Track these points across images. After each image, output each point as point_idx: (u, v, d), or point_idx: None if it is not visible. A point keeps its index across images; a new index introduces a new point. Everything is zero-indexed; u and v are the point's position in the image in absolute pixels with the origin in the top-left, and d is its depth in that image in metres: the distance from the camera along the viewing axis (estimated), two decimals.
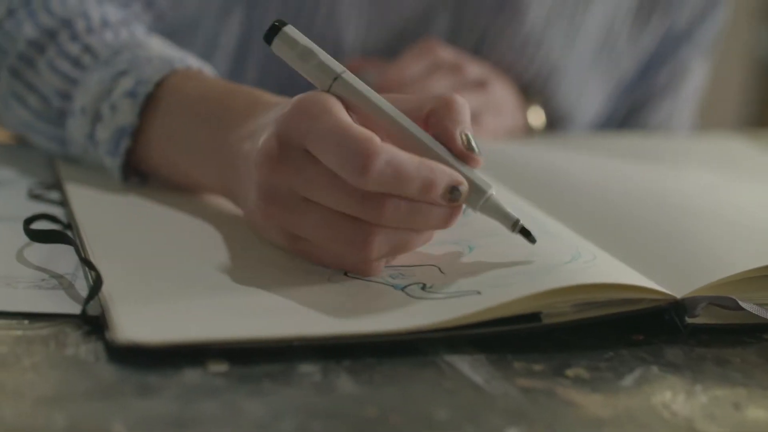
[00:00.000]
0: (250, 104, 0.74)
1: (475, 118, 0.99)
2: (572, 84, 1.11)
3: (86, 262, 0.66)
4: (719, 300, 0.64)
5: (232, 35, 1.08)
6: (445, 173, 0.63)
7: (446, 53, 1.01)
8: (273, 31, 0.67)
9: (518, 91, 1.07)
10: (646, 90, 1.18)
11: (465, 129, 0.66)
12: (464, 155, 0.66)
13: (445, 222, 0.64)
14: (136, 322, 0.58)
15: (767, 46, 3.24)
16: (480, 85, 1.01)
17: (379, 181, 0.61)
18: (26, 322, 0.61)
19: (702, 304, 0.64)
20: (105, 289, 0.62)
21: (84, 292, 0.64)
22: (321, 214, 0.63)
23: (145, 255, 0.69)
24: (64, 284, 0.66)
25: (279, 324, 0.60)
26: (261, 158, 0.65)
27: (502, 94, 1.03)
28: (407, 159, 0.62)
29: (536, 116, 1.08)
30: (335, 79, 0.66)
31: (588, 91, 1.13)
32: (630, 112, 1.18)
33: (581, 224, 0.75)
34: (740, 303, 0.64)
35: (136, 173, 0.82)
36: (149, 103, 0.80)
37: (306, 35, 1.02)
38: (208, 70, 0.83)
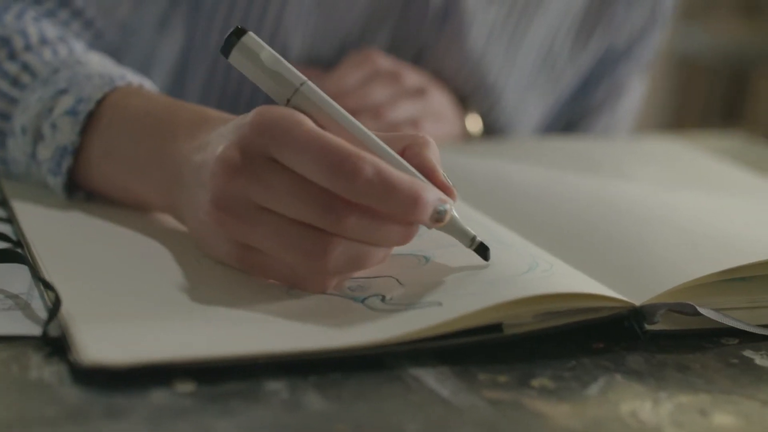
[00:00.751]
0: (196, 119, 0.74)
1: (415, 124, 0.99)
2: (511, 99, 1.12)
3: (43, 282, 0.65)
4: (678, 306, 0.65)
5: (172, 49, 1.07)
6: (434, 190, 0.63)
7: (384, 62, 1.01)
8: (232, 41, 0.66)
9: (456, 99, 1.08)
10: (584, 106, 1.19)
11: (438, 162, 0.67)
12: (444, 186, 0.66)
13: (405, 238, 0.64)
14: (100, 343, 0.58)
15: (686, 43, 3.28)
16: (419, 92, 1.01)
17: (368, 189, 0.61)
18: None
19: (661, 311, 0.65)
20: (64, 309, 0.61)
21: (41, 311, 0.64)
22: (277, 222, 0.63)
23: (101, 273, 0.68)
24: (20, 304, 0.65)
25: (243, 341, 0.59)
26: (219, 166, 0.64)
27: (440, 101, 1.04)
28: (396, 171, 0.62)
29: (474, 123, 1.09)
30: (296, 91, 0.65)
31: (526, 106, 1.14)
32: (567, 126, 1.19)
33: (534, 233, 0.75)
34: (698, 309, 0.65)
35: (80, 190, 0.81)
36: (90, 120, 0.79)
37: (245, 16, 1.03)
38: (149, 85, 0.83)
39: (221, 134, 0.68)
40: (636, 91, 1.23)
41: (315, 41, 1.03)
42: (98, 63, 0.84)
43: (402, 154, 0.66)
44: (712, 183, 0.95)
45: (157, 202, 0.76)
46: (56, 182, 0.80)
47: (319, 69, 1.03)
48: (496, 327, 0.63)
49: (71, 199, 0.81)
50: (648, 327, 0.65)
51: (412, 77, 1.02)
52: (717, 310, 0.66)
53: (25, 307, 0.64)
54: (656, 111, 3.30)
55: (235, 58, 0.66)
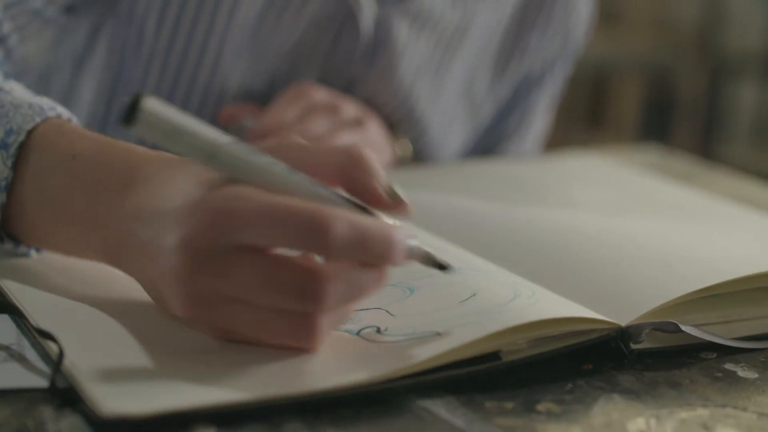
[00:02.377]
0: (128, 167, 0.68)
1: None
2: (436, 129, 1.14)
3: (41, 332, 0.64)
4: (661, 325, 0.68)
5: (91, 88, 1.06)
6: (400, 228, 0.62)
7: (320, 94, 1.02)
8: (132, 110, 0.59)
9: (386, 125, 1.09)
10: (498, 133, 1.22)
11: (382, 180, 0.65)
12: (393, 207, 0.65)
13: (380, 283, 0.62)
14: (117, 394, 0.58)
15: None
16: (357, 122, 1.03)
17: (344, 243, 0.59)
18: None
19: (646, 330, 0.67)
20: (68, 359, 0.61)
21: (37, 362, 0.63)
22: (257, 312, 0.61)
23: (91, 318, 0.67)
24: (15, 356, 0.64)
25: (257, 384, 0.59)
26: (181, 263, 0.60)
27: (376, 130, 1.05)
28: (365, 219, 0.60)
29: (404, 147, 1.11)
30: (211, 157, 0.61)
31: (450, 136, 1.16)
32: (482, 152, 1.22)
33: (504, 262, 0.77)
34: (681, 326, 0.68)
35: (9, 236, 0.75)
36: (20, 154, 0.72)
37: (192, 86, 1.00)
38: (76, 122, 0.76)
39: (168, 215, 0.62)
40: (544, 117, 1.26)
41: (246, 77, 1.03)
42: (23, 91, 0.78)
43: (339, 179, 0.65)
44: (659, 201, 0.98)
45: (99, 257, 0.71)
46: None
47: (254, 104, 1.04)
48: (494, 355, 0.64)
49: (17, 250, 0.75)
50: (634, 346, 0.68)
51: (349, 108, 1.03)
52: (695, 326, 0.69)
53: (20, 359, 0.64)
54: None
55: (141, 126, 0.59)
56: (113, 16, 1.03)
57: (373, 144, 1.03)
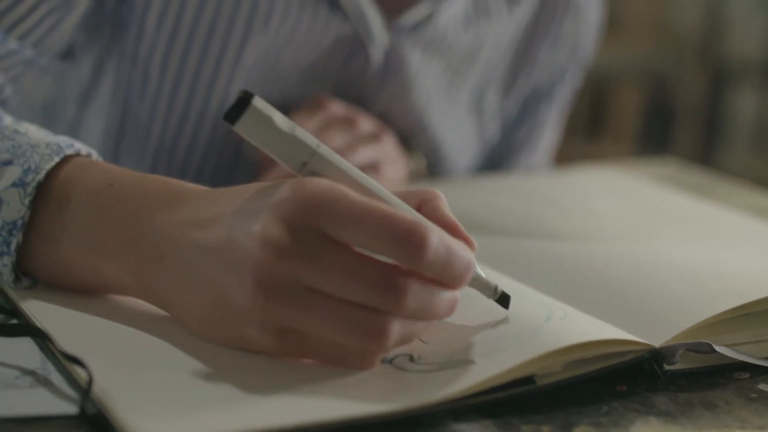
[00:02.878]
0: (171, 190, 0.69)
1: (375, 168, 1.00)
2: (450, 147, 1.14)
3: (68, 357, 0.63)
4: (695, 346, 0.67)
5: (98, 125, 1.05)
6: (471, 252, 0.63)
7: (337, 108, 1.02)
8: (240, 106, 0.62)
9: (399, 140, 1.09)
10: (506, 146, 1.21)
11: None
12: (468, 241, 0.66)
13: (452, 308, 0.64)
14: (151, 419, 0.57)
15: None
16: (374, 137, 1.02)
17: (435, 259, 0.60)
18: (11, 424, 0.58)
19: (680, 351, 0.67)
20: (97, 384, 0.60)
21: (64, 387, 0.62)
22: (333, 305, 0.60)
23: (117, 338, 0.66)
24: (41, 381, 0.63)
25: (294, 410, 0.59)
26: (264, 246, 0.60)
27: (393, 145, 1.05)
28: (451, 238, 0.62)
29: (418, 162, 1.10)
30: (313, 153, 0.63)
31: (461, 152, 1.16)
32: (490, 166, 1.21)
33: (529, 276, 0.76)
34: (715, 347, 0.67)
35: (26, 274, 0.73)
36: (40, 193, 0.71)
37: (200, 124, 0.98)
38: (96, 155, 0.76)
39: (240, 210, 0.63)
40: (554, 129, 1.26)
41: (263, 94, 1.02)
42: (38, 131, 0.76)
43: (418, 210, 0.66)
44: (681, 215, 0.98)
45: (129, 284, 0.69)
46: (4, 263, 0.71)
47: None
48: (529, 379, 0.63)
49: (17, 286, 0.73)
50: (667, 367, 0.67)
51: (366, 123, 1.02)
52: (728, 345, 0.68)
53: (46, 384, 0.63)
54: None
55: (245, 124, 0.62)
56: (117, 53, 1.01)
57: (390, 158, 1.03)
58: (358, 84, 1.05)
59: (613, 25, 3.57)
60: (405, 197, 0.67)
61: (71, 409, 0.60)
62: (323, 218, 0.60)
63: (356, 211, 0.60)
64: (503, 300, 0.68)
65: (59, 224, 0.71)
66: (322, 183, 0.61)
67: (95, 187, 0.71)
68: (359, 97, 1.06)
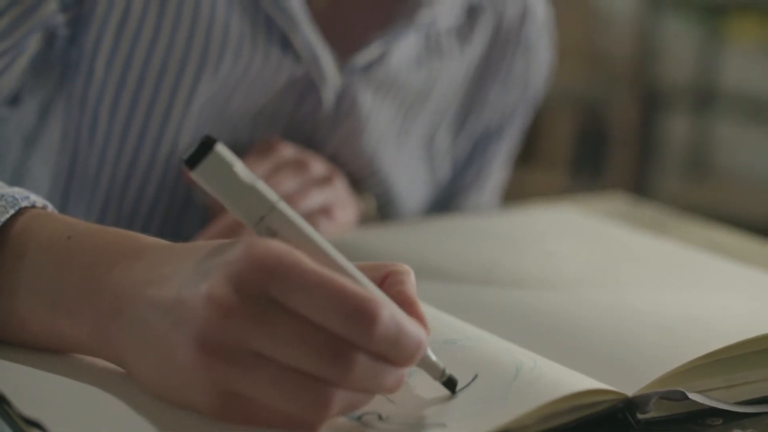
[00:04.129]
0: (130, 245, 0.66)
1: (327, 212, 0.98)
2: (401, 188, 1.12)
3: (29, 421, 0.61)
4: (669, 394, 0.66)
5: (46, 169, 1.02)
6: (423, 332, 0.61)
7: (288, 150, 1.00)
8: (201, 151, 0.59)
9: (350, 182, 1.07)
10: (455, 186, 1.20)
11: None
12: (422, 321, 0.63)
13: (399, 384, 0.62)
14: None
15: None
16: (326, 180, 1.00)
17: (384, 336, 0.58)
18: None
19: (653, 400, 0.66)
20: None
21: None
22: (275, 370, 0.58)
23: (80, 398, 0.64)
24: None
25: None
26: (210, 305, 0.58)
27: (343, 188, 1.03)
28: (405, 317, 0.60)
29: (368, 204, 1.09)
30: (272, 208, 0.61)
31: (413, 191, 1.15)
32: (439, 207, 1.20)
33: (494, 323, 0.75)
34: (688, 394, 0.66)
35: None
36: None
37: (151, 167, 0.95)
38: (52, 208, 0.73)
39: (193, 267, 0.61)
40: (502, 168, 1.25)
41: (214, 132, 1.01)
42: None
43: (382, 282, 0.65)
44: (639, 255, 0.97)
45: (86, 342, 0.66)
46: None
47: None
48: None
49: None
50: (641, 416, 0.66)
51: (318, 165, 1.01)
52: (700, 392, 0.68)
53: None
54: None
55: (205, 170, 0.60)
56: (65, 97, 0.99)
57: (341, 201, 1.01)
58: (309, 126, 1.04)
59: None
60: (372, 268, 0.65)
61: None
62: (273, 283, 0.58)
63: (308, 279, 0.58)
64: (450, 384, 0.65)
65: (15, 278, 0.68)
66: (277, 246, 0.59)
67: (52, 240, 0.68)
68: (310, 139, 1.04)
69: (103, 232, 0.68)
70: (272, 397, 0.59)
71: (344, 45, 1.02)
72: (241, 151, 1.00)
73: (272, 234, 0.61)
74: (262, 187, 0.61)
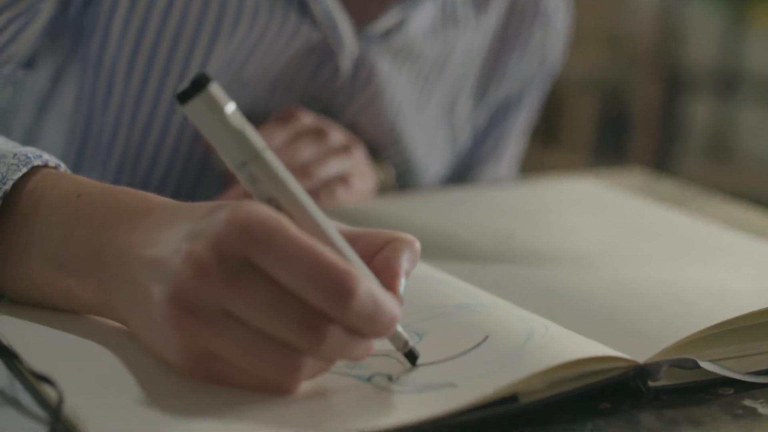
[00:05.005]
0: (138, 205, 0.66)
1: (345, 180, 0.98)
2: (420, 157, 1.12)
3: (37, 376, 0.61)
4: (680, 362, 0.66)
5: (59, 134, 1.02)
6: (396, 306, 0.61)
7: (308, 119, 1.00)
8: (194, 87, 0.58)
9: (368, 150, 1.07)
10: (473, 157, 1.20)
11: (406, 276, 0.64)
12: (398, 296, 0.63)
13: (366, 354, 0.61)
14: None
15: None
16: (345, 149, 1.00)
17: (360, 311, 0.58)
18: None
19: (664, 368, 0.65)
20: (67, 404, 0.58)
21: (33, 407, 0.60)
22: (249, 334, 0.58)
23: (89, 356, 0.64)
24: (9, 401, 0.61)
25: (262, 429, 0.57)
26: (188, 264, 0.58)
27: (362, 157, 1.03)
28: (382, 292, 0.59)
29: (387, 173, 1.09)
30: (256, 156, 0.59)
31: (431, 162, 1.15)
32: (457, 178, 1.20)
33: (508, 291, 0.75)
34: (700, 363, 0.66)
35: None
36: (6, 205, 0.69)
37: (166, 130, 0.95)
38: (64, 168, 0.73)
39: (184, 229, 0.61)
40: (520, 139, 1.25)
41: (232, 92, 1.00)
42: (6, 143, 0.74)
43: (381, 249, 0.64)
44: (659, 228, 0.97)
45: (92, 301, 0.67)
46: None
47: None
48: (511, 398, 0.62)
49: None
50: (652, 384, 0.66)
51: (337, 134, 1.01)
52: (712, 361, 0.67)
53: (15, 404, 0.61)
54: None
55: (195, 108, 0.58)
56: (79, 60, 0.99)
57: (360, 170, 1.01)
58: (327, 94, 1.04)
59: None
60: (374, 235, 0.65)
61: (40, 429, 0.58)
62: (253, 247, 0.57)
63: (289, 247, 0.57)
64: (411, 356, 0.65)
65: (25, 237, 0.69)
66: (262, 211, 0.58)
67: (62, 200, 0.68)
68: (329, 107, 1.04)
69: (112, 192, 0.68)
70: (243, 359, 0.59)
71: (362, 12, 1.01)
72: (259, 119, 1.00)
73: (254, 182, 0.60)
74: (251, 133, 0.60)
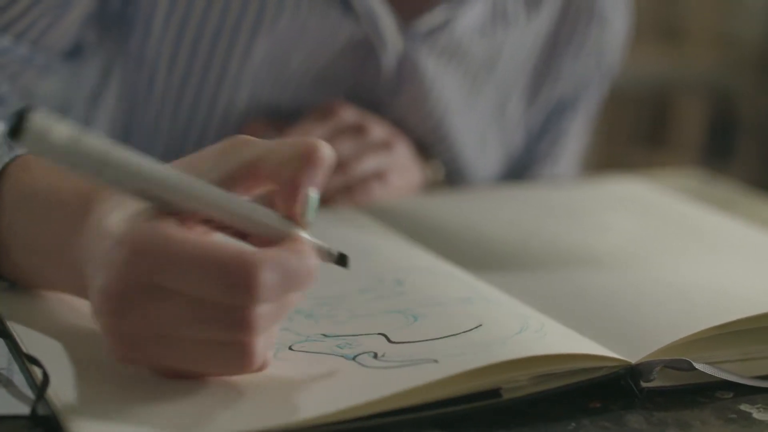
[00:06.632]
0: (78, 199, 0.65)
1: (381, 177, 0.98)
2: (470, 155, 1.12)
3: (29, 358, 0.62)
4: (673, 363, 0.65)
5: (105, 124, 1.04)
6: (313, 247, 0.60)
7: (349, 114, 1.00)
8: (18, 123, 0.53)
9: (417, 147, 1.07)
10: (530, 157, 1.19)
11: (311, 190, 0.61)
12: (300, 222, 0.61)
13: (313, 275, 0.59)
14: (96, 425, 0.56)
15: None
16: (385, 145, 1.00)
17: (272, 291, 0.56)
18: None
19: (656, 368, 0.64)
20: (52, 386, 0.59)
21: (25, 388, 0.61)
22: (186, 347, 0.58)
23: (83, 345, 0.65)
24: (2, 381, 0.62)
25: (244, 416, 0.57)
26: (105, 304, 0.58)
27: (405, 153, 1.03)
28: (287, 254, 0.57)
29: (435, 170, 1.09)
30: (106, 159, 0.56)
31: (482, 161, 1.14)
32: (514, 177, 1.19)
33: (519, 291, 0.74)
34: (694, 364, 0.65)
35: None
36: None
37: (207, 125, 0.94)
38: None
39: (97, 252, 0.60)
40: (579, 139, 1.24)
41: (268, 110, 1.01)
42: None
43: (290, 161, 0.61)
44: (693, 229, 0.95)
45: (69, 288, 0.69)
46: None
47: (279, 121, 1.01)
48: (494, 392, 0.61)
49: None
50: (644, 384, 0.65)
51: (378, 130, 1.01)
52: (710, 363, 0.66)
53: (8, 384, 0.62)
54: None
55: (28, 142, 0.54)
56: (123, 56, 1.01)
57: (400, 167, 1.01)
58: (371, 90, 1.04)
59: (674, 34, 3.53)
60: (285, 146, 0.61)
61: (25, 410, 0.59)
62: (154, 269, 0.56)
63: (180, 259, 0.56)
64: (342, 259, 0.64)
65: (7, 224, 0.70)
66: (139, 232, 0.57)
67: (23, 195, 0.70)
68: (373, 104, 1.04)
69: (60, 187, 0.68)
70: (196, 367, 0.59)
71: (407, 9, 1.01)
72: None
73: (118, 182, 0.57)
74: (89, 140, 0.56)
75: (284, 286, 0.57)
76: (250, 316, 0.57)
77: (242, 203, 0.60)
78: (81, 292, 0.65)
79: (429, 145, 1.09)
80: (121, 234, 0.58)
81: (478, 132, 1.12)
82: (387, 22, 0.99)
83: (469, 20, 1.04)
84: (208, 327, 0.57)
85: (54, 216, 0.67)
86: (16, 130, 0.53)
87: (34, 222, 0.69)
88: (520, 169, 1.19)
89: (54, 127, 0.54)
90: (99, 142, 0.56)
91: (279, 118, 1.02)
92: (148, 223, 0.57)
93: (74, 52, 0.97)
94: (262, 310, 0.57)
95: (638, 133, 3.59)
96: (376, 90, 1.04)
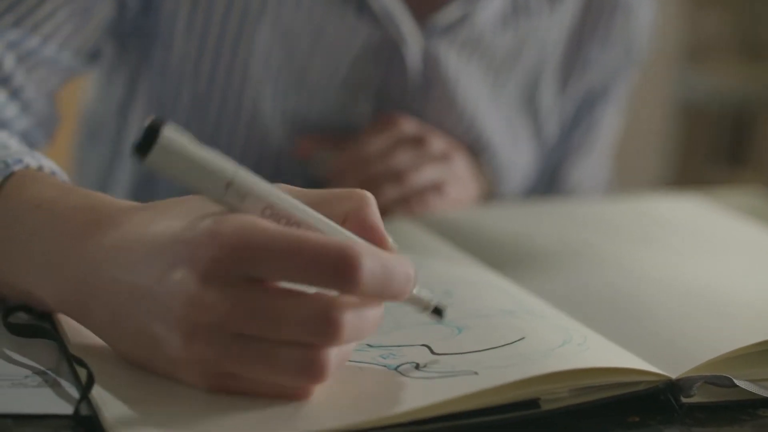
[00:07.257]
0: (91, 209, 0.66)
1: (438, 188, 0.99)
2: (504, 154, 1.12)
3: (75, 359, 0.64)
4: (714, 379, 0.65)
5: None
6: (408, 263, 0.60)
7: (409, 126, 1.01)
8: (149, 138, 0.55)
9: (473, 161, 1.07)
10: (563, 149, 1.19)
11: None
12: (385, 245, 0.62)
13: (381, 318, 0.60)
14: (133, 426, 0.57)
15: (688, 89, 3.27)
16: (443, 157, 1.01)
17: (372, 282, 0.56)
18: (9, 421, 0.59)
19: (697, 384, 0.64)
20: (96, 387, 0.60)
21: (71, 389, 0.62)
22: (263, 347, 0.57)
23: None
24: (49, 381, 0.64)
25: (288, 422, 0.58)
26: (185, 305, 0.57)
27: (463, 165, 1.04)
28: (388, 255, 0.58)
29: (490, 178, 1.09)
30: (236, 173, 0.58)
31: (518, 153, 1.15)
32: (548, 171, 1.19)
33: (564, 303, 0.75)
34: (735, 381, 0.64)
35: None
36: None
37: (234, 131, 0.95)
38: (49, 166, 0.74)
39: (161, 250, 0.59)
40: (611, 128, 1.24)
41: (296, 116, 1.02)
42: (18, 145, 0.77)
43: (347, 218, 0.62)
44: (742, 247, 0.94)
45: (55, 307, 0.68)
46: None
47: (334, 136, 1.02)
48: (533, 402, 0.62)
49: None
50: (685, 400, 0.64)
51: (437, 142, 1.01)
52: (752, 380, 0.66)
53: (54, 385, 0.63)
54: (660, 158, 3.29)
55: (158, 157, 0.56)
56: (147, 69, 1.02)
57: (457, 179, 1.02)
58: (400, 91, 1.04)
59: (756, 49, 3.49)
60: (333, 201, 0.62)
61: (69, 410, 0.60)
62: (244, 263, 0.56)
63: (280, 247, 0.56)
64: (437, 311, 0.65)
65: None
66: (240, 223, 0.57)
67: (26, 207, 0.69)
68: (405, 106, 1.05)
69: (70, 198, 0.68)
70: (263, 372, 0.58)
71: (424, 7, 1.02)
72: (337, 123, 1.03)
73: (242, 199, 0.58)
74: (217, 155, 0.58)
75: (384, 283, 0.57)
76: (339, 318, 0.57)
77: (343, 230, 0.61)
78: (69, 309, 0.66)
79: (468, 146, 1.09)
80: (208, 228, 0.57)
81: (508, 125, 1.12)
82: (404, 18, 1.00)
83: (490, 13, 1.04)
84: (296, 323, 0.56)
85: (57, 227, 0.66)
86: (146, 144, 0.55)
87: (33, 234, 0.68)
88: (556, 161, 1.20)
89: (185, 142, 0.57)
90: (227, 162, 0.58)
91: (306, 134, 1.03)
92: (239, 216, 0.58)
93: (96, 55, 0.97)
94: (348, 319, 0.57)
95: (719, 151, 3.55)
96: (405, 91, 1.04)
